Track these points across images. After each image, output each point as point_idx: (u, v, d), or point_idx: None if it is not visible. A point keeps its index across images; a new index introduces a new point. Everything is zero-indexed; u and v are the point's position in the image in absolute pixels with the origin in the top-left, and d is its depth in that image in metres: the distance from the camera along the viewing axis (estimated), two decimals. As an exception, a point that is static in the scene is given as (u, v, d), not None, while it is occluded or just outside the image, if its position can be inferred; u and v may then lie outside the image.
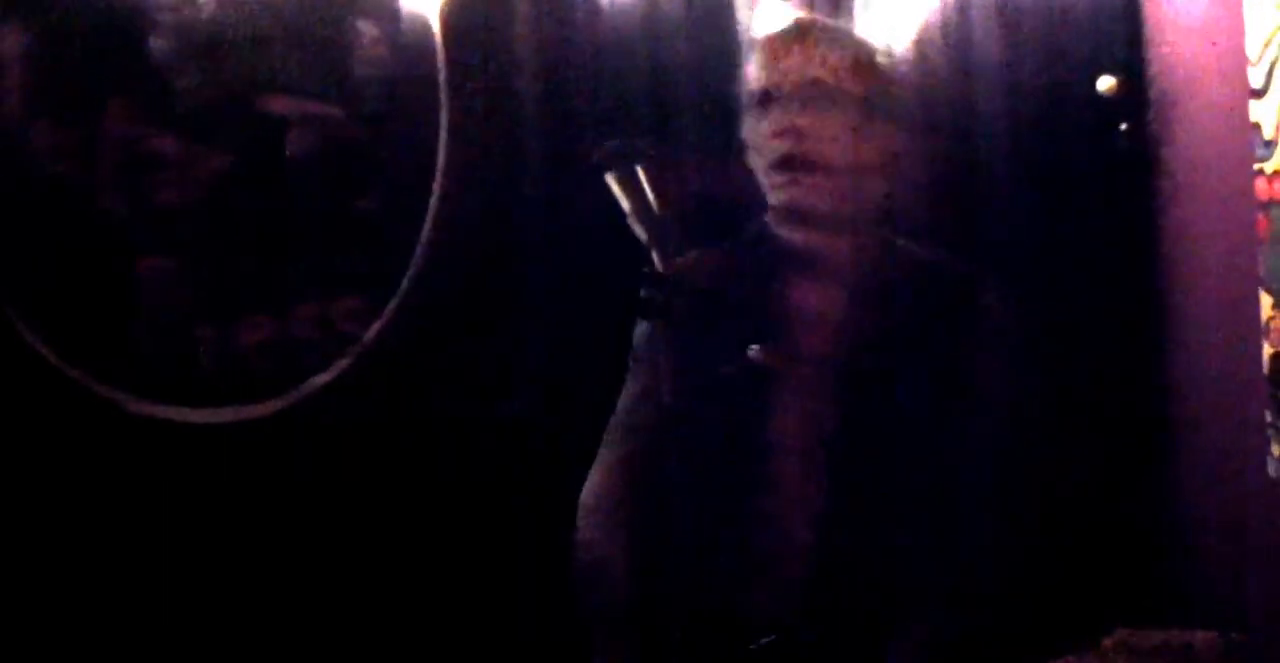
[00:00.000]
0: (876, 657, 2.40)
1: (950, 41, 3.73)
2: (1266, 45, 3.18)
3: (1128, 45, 3.75)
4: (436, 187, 3.31)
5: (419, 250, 3.28)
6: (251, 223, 3.13)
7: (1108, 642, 2.36)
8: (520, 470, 3.20)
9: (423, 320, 3.28)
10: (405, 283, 3.27)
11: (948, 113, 3.72)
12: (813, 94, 2.44)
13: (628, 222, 2.21)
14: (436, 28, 3.34)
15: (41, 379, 2.88)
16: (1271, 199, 3.15)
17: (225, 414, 3.08)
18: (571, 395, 2.73)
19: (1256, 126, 3.22)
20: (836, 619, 2.44)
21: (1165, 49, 3.68)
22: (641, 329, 2.61)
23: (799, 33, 2.49)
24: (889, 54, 2.64)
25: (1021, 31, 3.76)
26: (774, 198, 2.47)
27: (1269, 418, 3.12)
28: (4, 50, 2.89)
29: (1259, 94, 3.21)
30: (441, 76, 3.33)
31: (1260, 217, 3.19)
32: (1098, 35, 3.77)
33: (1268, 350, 3.14)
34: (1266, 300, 3.15)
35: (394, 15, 3.31)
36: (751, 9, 2.64)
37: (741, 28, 2.75)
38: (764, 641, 2.44)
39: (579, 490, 2.63)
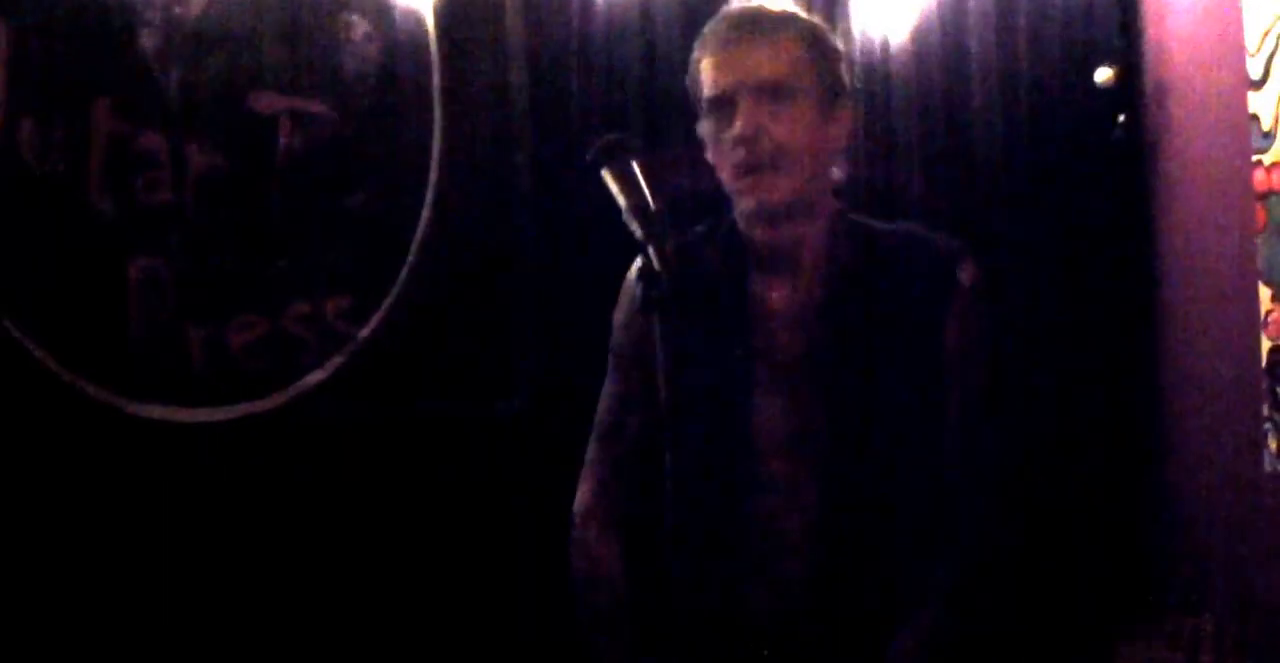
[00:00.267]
0: (878, 653, 2.38)
1: (946, 32, 3.72)
2: (1265, 36, 3.17)
3: (1125, 36, 3.74)
4: (431, 184, 3.29)
5: (414, 248, 3.27)
6: (242, 222, 3.11)
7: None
8: (516, 468, 3.20)
9: (417, 318, 3.26)
10: (400, 281, 3.26)
11: (944, 103, 3.72)
12: (772, 91, 2.42)
13: (623, 218, 2.18)
14: (430, 23, 3.32)
15: (33, 379, 2.87)
16: (1270, 190, 3.14)
17: (220, 413, 3.07)
18: (567, 393, 2.71)
19: (1255, 118, 3.21)
20: (836, 616, 2.43)
21: (1163, 40, 3.67)
22: (622, 326, 2.60)
23: (752, 27, 2.46)
24: (833, 31, 2.62)
25: (1018, 22, 3.75)
26: (738, 198, 2.46)
27: (1266, 411, 3.11)
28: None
29: (1258, 85, 3.20)
30: (435, 73, 3.32)
31: (1258, 208, 3.18)
32: (1095, 26, 3.75)
33: (1266, 343, 3.13)
34: (1265, 293, 3.14)
35: (387, 11, 3.30)
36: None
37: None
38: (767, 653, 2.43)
39: (574, 488, 2.62)
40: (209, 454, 3.05)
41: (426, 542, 3.22)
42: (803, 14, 2.54)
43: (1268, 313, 3.13)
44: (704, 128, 2.51)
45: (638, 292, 2.19)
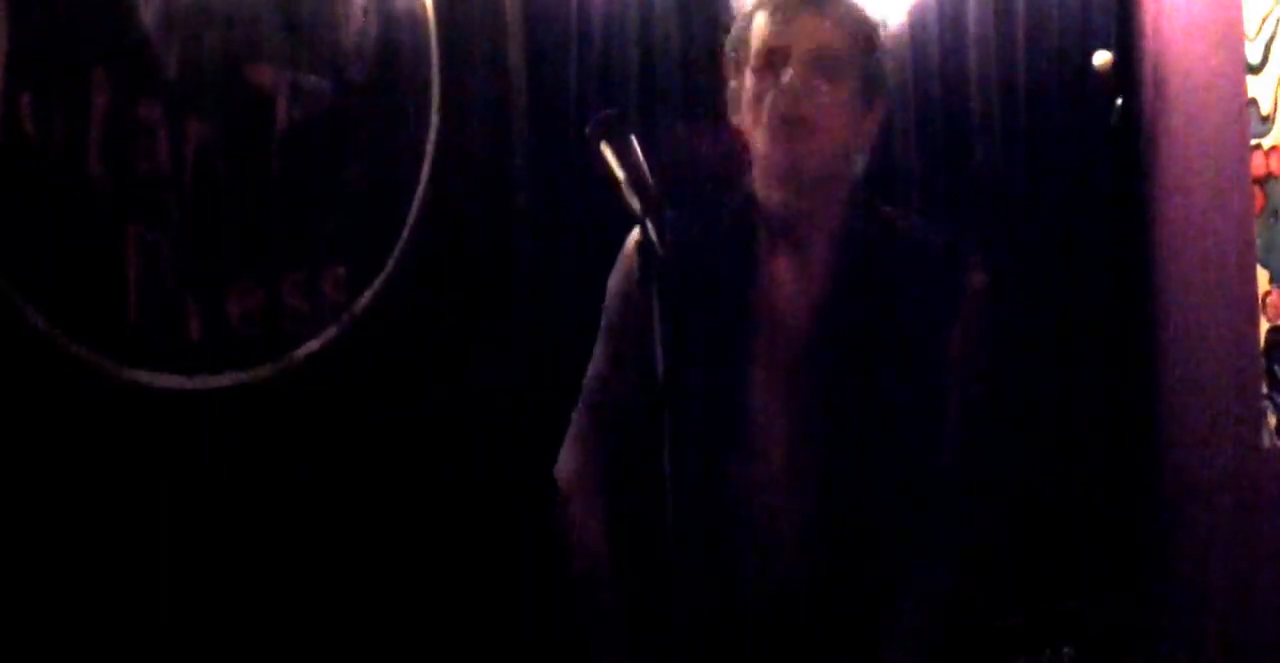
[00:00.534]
0: (875, 627, 2.39)
1: (945, 16, 3.72)
2: (1264, 20, 3.18)
3: (1123, 20, 3.74)
4: (428, 157, 3.29)
5: (410, 220, 3.27)
6: (240, 193, 3.11)
7: None
8: (511, 439, 3.20)
9: (413, 290, 3.27)
10: (396, 252, 3.26)
11: (942, 88, 3.72)
12: (821, 58, 2.44)
13: (620, 192, 2.18)
14: (428, -3, 3.33)
15: (30, 347, 2.86)
16: (1268, 174, 3.15)
17: (215, 381, 3.07)
18: (563, 365, 2.71)
19: (1253, 102, 3.22)
20: (834, 592, 2.43)
21: (1161, 24, 3.67)
22: (616, 293, 2.61)
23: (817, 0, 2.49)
24: (887, 30, 2.64)
25: (1016, 7, 3.76)
26: (771, 156, 2.46)
27: (1264, 390, 3.12)
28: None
29: (1256, 69, 3.21)
30: (433, 46, 3.32)
31: (1256, 191, 3.19)
32: (1092, 10, 3.76)
33: (1264, 325, 3.14)
34: (1263, 275, 3.15)
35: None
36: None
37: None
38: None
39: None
40: (205, 422, 3.05)
41: (422, 512, 3.22)
42: (862, 5, 2.56)
43: (1265, 295, 3.14)
44: (742, 85, 2.52)
45: (636, 264, 2.19)
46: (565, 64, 3.44)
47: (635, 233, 2.61)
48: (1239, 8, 3.24)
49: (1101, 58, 3.68)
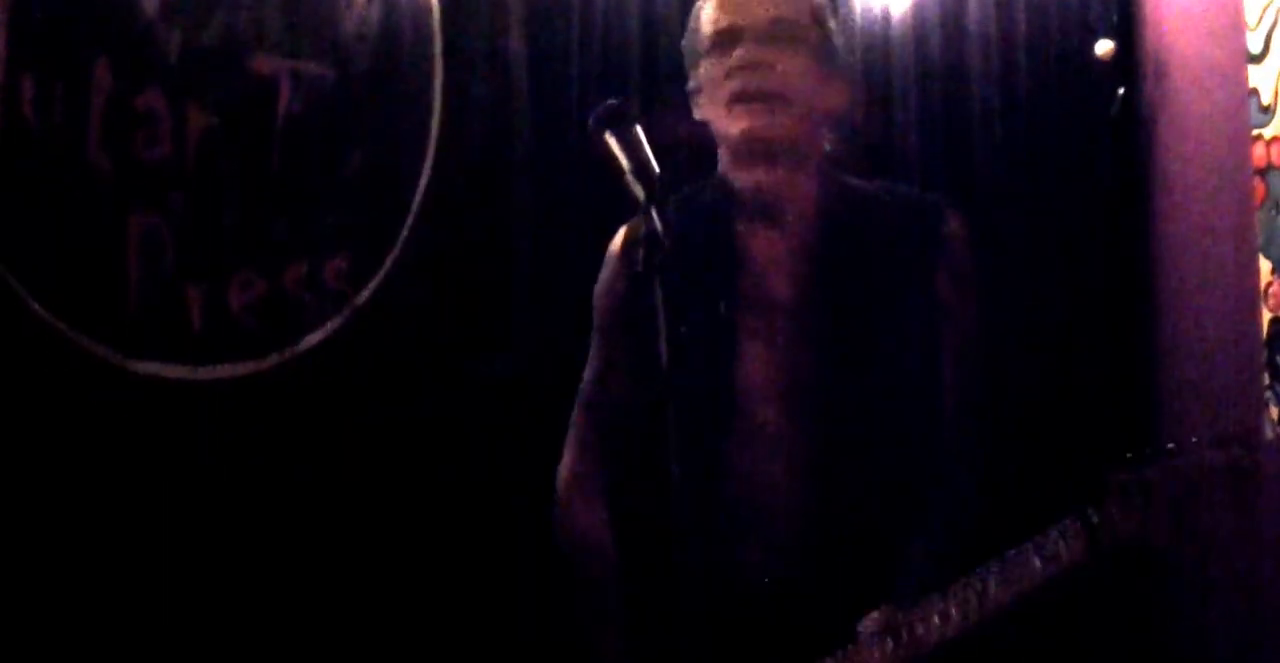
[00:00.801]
0: (876, 595, 2.39)
1: (946, 6, 3.72)
2: (1265, 10, 3.18)
3: (1123, 10, 3.74)
4: (431, 146, 3.29)
5: (413, 210, 3.27)
6: (242, 182, 3.11)
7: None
8: (512, 432, 3.20)
9: (415, 282, 3.26)
10: (398, 244, 3.26)
11: (943, 78, 3.72)
12: (776, 31, 2.49)
13: (623, 182, 2.19)
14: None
15: (32, 337, 2.87)
16: (1269, 164, 3.15)
17: (217, 373, 3.07)
18: (565, 355, 2.72)
19: (1254, 92, 3.22)
20: (834, 563, 2.44)
21: (1162, 14, 3.67)
22: (605, 295, 2.62)
23: None
24: (836, 5, 2.68)
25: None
26: (735, 134, 2.49)
27: (1266, 381, 3.13)
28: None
29: (1257, 59, 3.21)
30: (436, 34, 3.31)
31: (1257, 182, 3.19)
32: (1093, 0, 3.75)
33: (1266, 315, 3.15)
34: (1265, 265, 3.15)
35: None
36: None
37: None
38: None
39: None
40: (207, 413, 3.05)
41: (424, 504, 3.22)
42: None
43: (1267, 285, 3.14)
44: (700, 75, 2.57)
45: (639, 256, 2.19)
46: (568, 53, 3.43)
47: (622, 231, 2.64)
48: (1240, -3, 3.25)
49: (1103, 47, 3.68)
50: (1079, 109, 3.74)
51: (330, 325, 3.18)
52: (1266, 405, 3.11)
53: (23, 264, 2.84)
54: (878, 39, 3.69)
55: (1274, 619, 3.18)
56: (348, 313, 3.20)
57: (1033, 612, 2.34)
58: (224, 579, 3.01)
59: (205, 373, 3.04)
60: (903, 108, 3.69)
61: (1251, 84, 3.22)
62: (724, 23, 2.53)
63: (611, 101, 2.26)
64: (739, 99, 2.48)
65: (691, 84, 2.62)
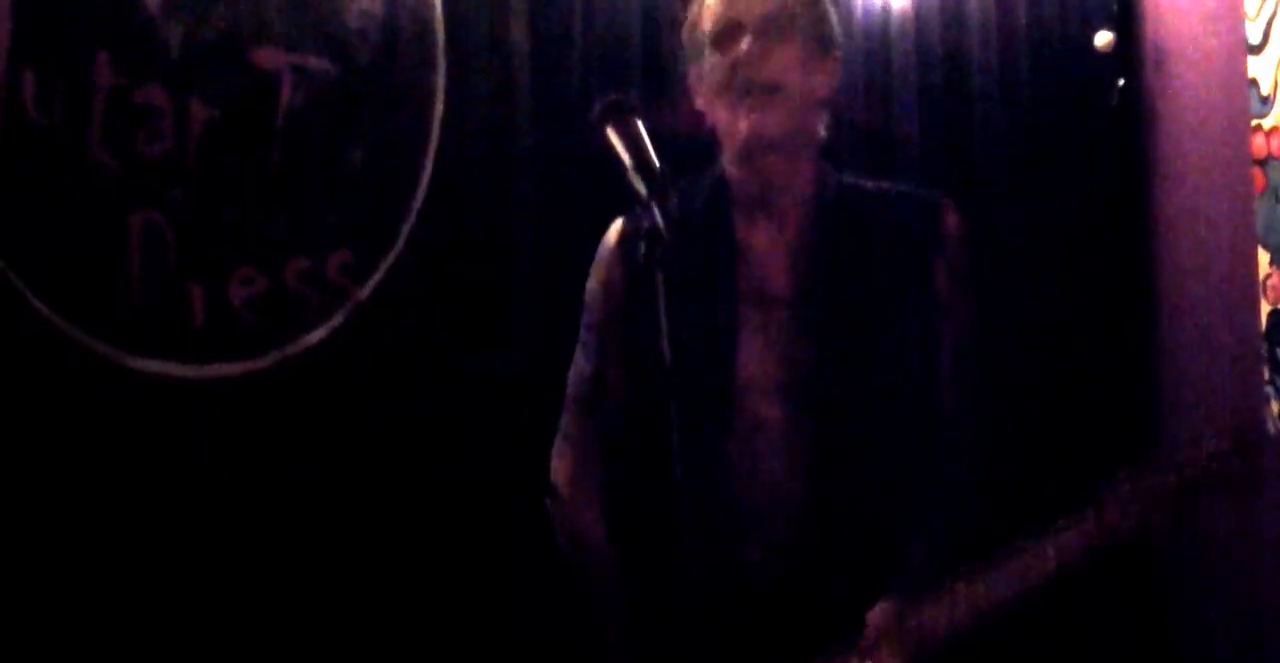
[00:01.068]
0: (878, 590, 2.40)
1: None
2: (1265, 0, 3.18)
3: (1123, 0, 3.74)
4: (433, 141, 3.29)
5: (415, 205, 3.27)
6: (244, 177, 3.11)
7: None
8: (514, 427, 3.20)
9: (418, 276, 3.27)
10: (401, 238, 3.26)
11: (943, 68, 3.72)
12: (777, 23, 2.49)
13: (625, 177, 2.19)
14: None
15: (33, 334, 2.87)
16: (1269, 155, 3.15)
17: (218, 369, 3.07)
18: (567, 351, 2.72)
19: (1254, 82, 3.22)
20: (836, 558, 2.45)
21: (1161, 4, 3.67)
22: (598, 295, 2.62)
23: None
24: None
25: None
26: (739, 127, 2.50)
27: (1266, 375, 3.13)
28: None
29: (1256, 49, 3.21)
30: (438, 28, 3.31)
31: (1257, 172, 3.19)
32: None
33: (1265, 307, 3.15)
34: (1264, 257, 3.15)
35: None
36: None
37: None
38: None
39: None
40: (208, 409, 3.05)
41: (426, 500, 3.23)
42: None
43: (1266, 277, 3.15)
44: (701, 68, 2.57)
45: (639, 250, 2.20)
46: (570, 48, 3.43)
47: (617, 225, 2.64)
48: (1239, -13, 3.25)
49: (1103, 38, 3.68)
50: (1079, 99, 3.74)
51: (332, 321, 3.18)
52: (1267, 400, 3.11)
53: (24, 260, 2.85)
54: (878, 29, 3.68)
55: (1274, 619, 3.18)
56: (349, 309, 3.20)
57: (1036, 608, 2.35)
58: (225, 576, 3.02)
59: (206, 370, 3.05)
60: (902, 98, 3.69)
61: (1251, 74, 3.22)
62: (725, 16, 2.53)
63: (612, 95, 2.27)
64: (744, 95, 2.48)
65: (692, 76, 2.62)
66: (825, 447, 2.48)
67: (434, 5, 3.30)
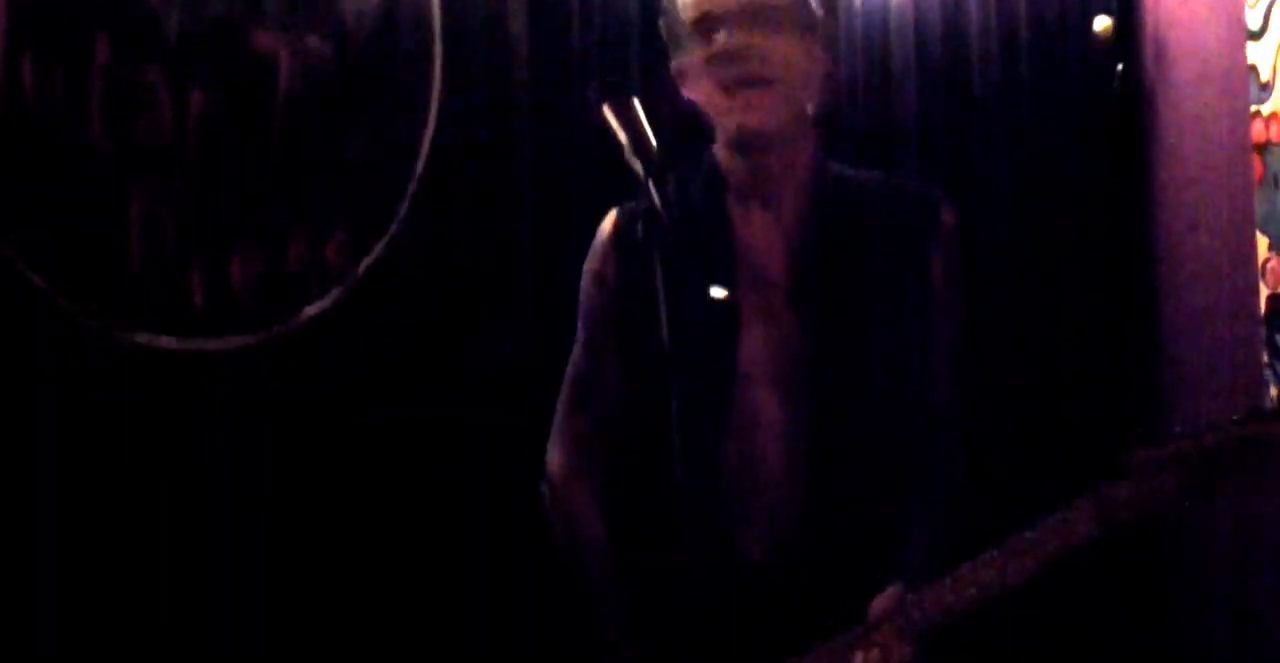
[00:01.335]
0: (880, 577, 2.39)
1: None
2: (1264, -14, 3.17)
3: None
4: (431, 123, 3.29)
5: (412, 186, 3.27)
6: (242, 158, 3.12)
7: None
8: (512, 405, 3.20)
9: (415, 256, 3.27)
10: (398, 218, 3.27)
11: (943, 53, 3.72)
12: (754, 13, 2.45)
13: (623, 156, 2.19)
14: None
15: (34, 312, 2.88)
16: (1268, 141, 3.15)
17: (218, 346, 3.08)
18: (564, 331, 2.71)
19: (1253, 69, 3.21)
20: (835, 547, 2.44)
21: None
22: (594, 285, 2.61)
23: None
24: None
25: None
26: (728, 120, 2.47)
27: (1265, 360, 3.13)
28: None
29: (1256, 36, 3.20)
30: (435, 11, 3.31)
31: (1256, 159, 3.19)
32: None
33: (1264, 292, 3.14)
34: (1262, 242, 3.15)
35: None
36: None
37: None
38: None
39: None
40: (208, 386, 3.06)
41: (423, 476, 3.23)
42: None
43: (1265, 263, 3.14)
44: (684, 60, 2.53)
45: (638, 229, 2.20)
46: (568, 30, 3.43)
47: (612, 216, 2.63)
48: (1238, -26, 3.24)
49: (1102, 23, 3.68)
50: (1078, 85, 3.73)
51: (330, 299, 3.19)
52: (1266, 385, 3.11)
53: (25, 241, 2.85)
54: (877, 16, 3.68)
55: (1274, 619, 3.18)
56: (347, 287, 3.21)
57: (1043, 593, 2.34)
58: (225, 552, 3.04)
59: (206, 346, 3.06)
60: (902, 86, 3.68)
61: (1250, 61, 3.22)
62: (705, 7, 2.47)
63: (610, 76, 2.26)
64: (730, 86, 2.45)
65: (675, 67, 2.58)
66: (823, 437, 2.47)
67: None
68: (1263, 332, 3.14)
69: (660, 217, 2.14)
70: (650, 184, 2.15)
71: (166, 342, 3.01)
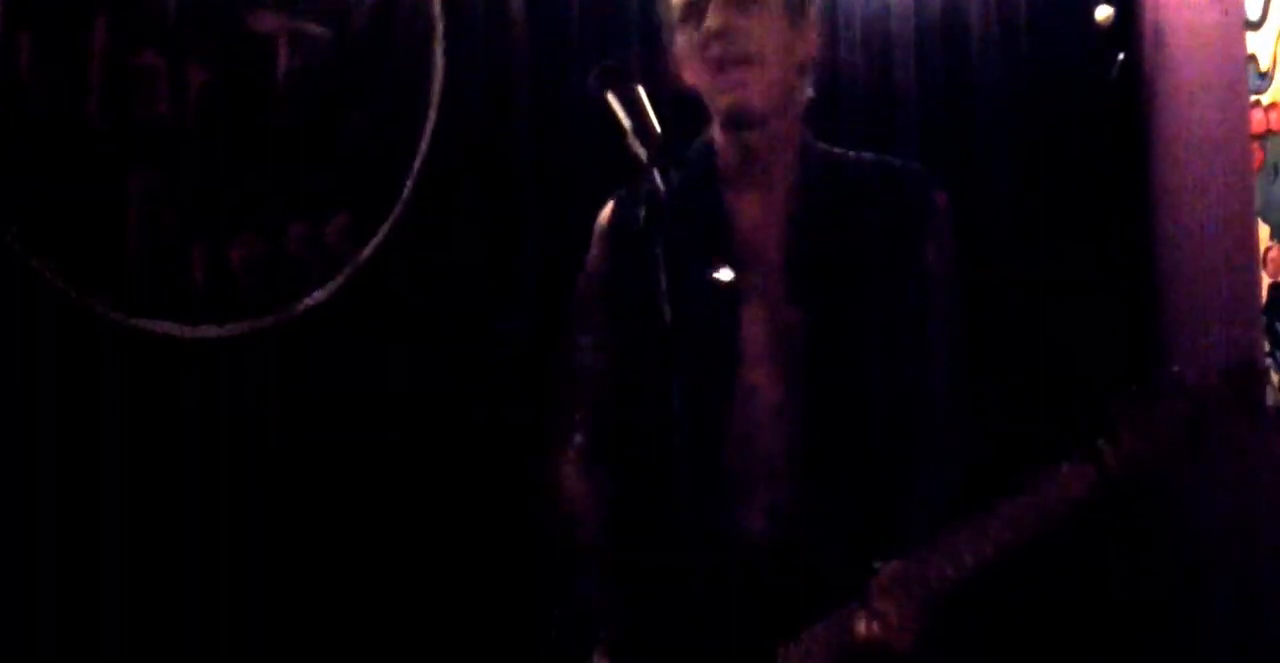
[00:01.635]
0: (880, 549, 2.40)
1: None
2: (1264, -25, 3.18)
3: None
4: (432, 106, 3.29)
5: (415, 169, 3.27)
6: (241, 140, 3.11)
7: None
8: (514, 389, 3.20)
9: (417, 240, 3.27)
10: (400, 202, 3.26)
11: (943, 42, 3.72)
12: None
13: (625, 141, 2.19)
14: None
15: (33, 295, 2.88)
16: (1268, 130, 3.15)
17: (218, 331, 3.08)
18: (566, 315, 2.72)
19: (1252, 58, 3.22)
20: (835, 520, 2.45)
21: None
22: (595, 270, 2.61)
23: None
24: None
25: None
26: (718, 100, 2.48)
27: (1266, 348, 3.13)
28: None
29: (1255, 25, 3.21)
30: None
31: (1256, 147, 3.19)
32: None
33: (1265, 281, 3.15)
34: (1263, 231, 3.15)
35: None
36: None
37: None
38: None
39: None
40: (208, 370, 3.06)
41: (424, 460, 3.23)
42: None
43: (1266, 251, 3.15)
44: (678, 44, 2.54)
45: (640, 214, 2.20)
46: (569, 12, 3.43)
47: (610, 206, 2.63)
48: (1238, -38, 3.24)
49: (1103, 12, 3.67)
50: (1079, 74, 3.73)
51: (332, 284, 3.19)
52: (1267, 373, 3.11)
53: (23, 223, 2.85)
54: (878, 2, 3.68)
55: (1274, 617, 3.19)
56: (349, 272, 3.20)
57: (1043, 554, 2.34)
58: (225, 536, 3.04)
59: (207, 331, 3.06)
60: (902, 72, 3.68)
61: (1250, 50, 3.22)
62: None
63: (612, 61, 2.26)
64: (717, 68, 2.46)
65: (671, 50, 2.59)
66: (821, 411, 2.48)
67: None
68: (1263, 321, 3.14)
69: (662, 201, 2.13)
70: (653, 168, 2.15)
71: (164, 327, 3.01)
